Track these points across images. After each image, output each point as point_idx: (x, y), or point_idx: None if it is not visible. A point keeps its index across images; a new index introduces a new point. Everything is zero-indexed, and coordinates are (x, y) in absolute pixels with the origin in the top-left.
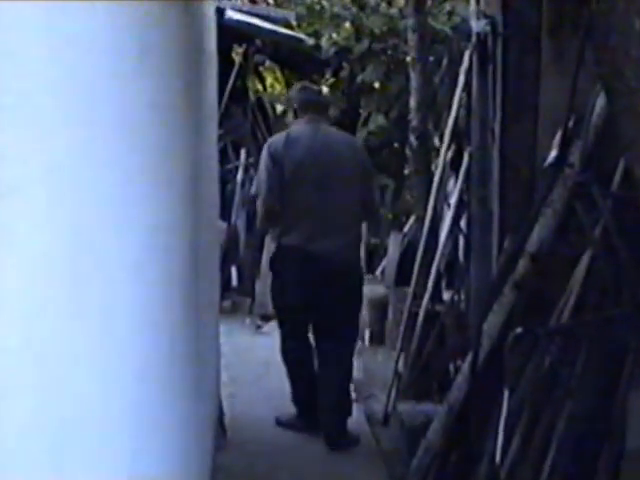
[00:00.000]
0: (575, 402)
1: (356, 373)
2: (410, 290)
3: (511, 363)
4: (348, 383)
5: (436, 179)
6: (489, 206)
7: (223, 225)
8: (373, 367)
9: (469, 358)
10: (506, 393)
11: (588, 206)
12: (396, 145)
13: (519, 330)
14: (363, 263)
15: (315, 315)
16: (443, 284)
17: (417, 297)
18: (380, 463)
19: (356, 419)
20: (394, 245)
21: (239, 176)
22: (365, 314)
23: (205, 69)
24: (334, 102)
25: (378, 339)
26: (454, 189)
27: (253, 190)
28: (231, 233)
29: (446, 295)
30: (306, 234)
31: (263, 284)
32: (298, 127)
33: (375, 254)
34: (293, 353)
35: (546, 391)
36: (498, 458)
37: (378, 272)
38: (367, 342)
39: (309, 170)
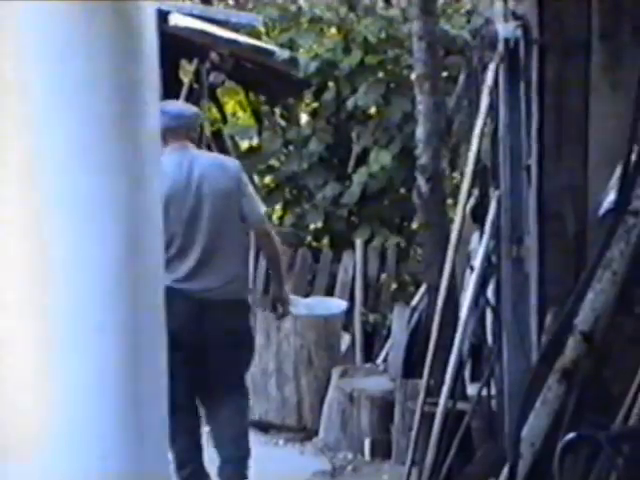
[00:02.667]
0: None
1: None
2: (423, 384)
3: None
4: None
5: (454, 235)
6: (525, 269)
7: None
8: None
9: (505, 475)
10: None
11: None
12: (401, 190)
13: (572, 435)
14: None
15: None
16: (466, 375)
17: (432, 393)
18: None
19: None
20: (400, 323)
21: None
22: (364, 417)
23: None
24: (199, 117)
25: (382, 451)
26: (478, 247)
27: None
28: None
29: (471, 390)
30: (183, 272)
31: None
32: (164, 159)
33: (375, 335)
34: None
35: None
36: None
37: (380, 360)
38: (367, 455)
39: (180, 206)
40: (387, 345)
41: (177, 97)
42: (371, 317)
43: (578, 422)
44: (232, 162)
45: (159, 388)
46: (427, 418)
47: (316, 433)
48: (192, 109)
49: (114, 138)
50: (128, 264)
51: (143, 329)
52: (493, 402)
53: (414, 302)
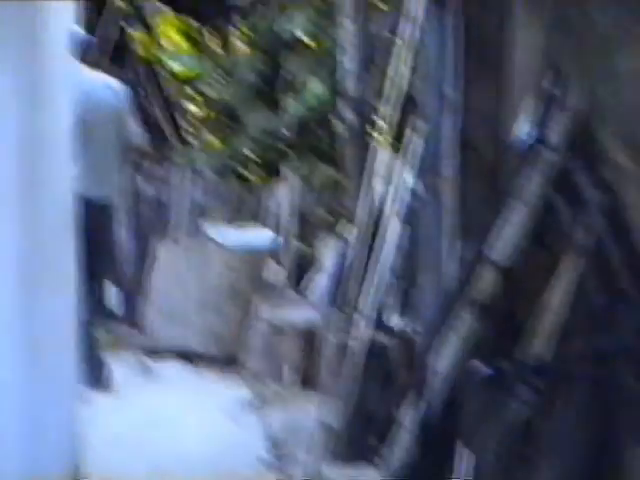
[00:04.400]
0: (556, 466)
1: (272, 428)
2: (346, 315)
3: (471, 413)
4: None
5: (377, 165)
6: (443, 200)
7: None
8: (296, 419)
9: (415, 405)
10: (464, 454)
11: (572, 200)
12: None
13: (481, 366)
14: None
15: None
16: (392, 308)
17: (355, 325)
18: None
19: None
20: (330, 254)
21: None
22: (288, 347)
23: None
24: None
25: (306, 381)
26: (401, 177)
27: None
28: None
29: (396, 321)
30: None
31: (153, 307)
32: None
33: (305, 266)
34: None
35: (517, 451)
36: None
37: (308, 291)
38: (291, 385)
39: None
40: (316, 277)
41: (108, 21)
42: (301, 248)
43: (490, 355)
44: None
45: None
46: (349, 350)
47: (240, 363)
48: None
49: None
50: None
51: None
52: (415, 334)
53: (345, 234)
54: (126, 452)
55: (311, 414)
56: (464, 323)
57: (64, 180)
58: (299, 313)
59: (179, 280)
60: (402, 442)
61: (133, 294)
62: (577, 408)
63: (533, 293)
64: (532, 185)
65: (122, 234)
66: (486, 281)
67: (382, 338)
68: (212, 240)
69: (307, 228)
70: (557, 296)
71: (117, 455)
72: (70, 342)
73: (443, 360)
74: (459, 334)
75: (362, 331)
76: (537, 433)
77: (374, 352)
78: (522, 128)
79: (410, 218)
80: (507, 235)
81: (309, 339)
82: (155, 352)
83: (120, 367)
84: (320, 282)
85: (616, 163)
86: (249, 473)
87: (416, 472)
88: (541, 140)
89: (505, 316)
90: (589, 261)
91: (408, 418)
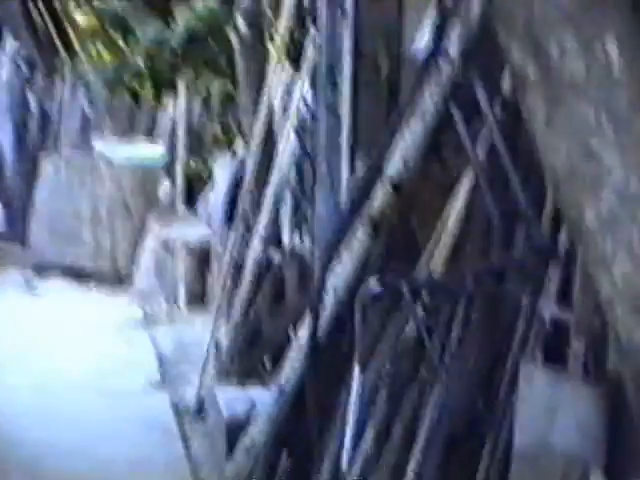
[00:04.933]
0: (448, 384)
1: (163, 347)
2: (237, 232)
3: (364, 330)
4: None
5: (273, 79)
6: (338, 114)
7: None
8: (188, 338)
9: (308, 324)
10: (356, 372)
11: (469, 114)
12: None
13: (375, 284)
14: None
15: None
16: (285, 224)
17: (247, 242)
18: (187, 469)
19: (159, 408)
20: (222, 170)
21: (3, 73)
22: (179, 265)
23: None
24: None
25: (197, 300)
26: (296, 91)
27: None
28: None
29: (287, 239)
30: None
31: (39, 223)
32: None
33: (197, 182)
34: None
35: (409, 369)
36: (345, 461)
37: (200, 208)
38: (182, 304)
39: None
40: (210, 194)
41: None
42: (193, 164)
43: (383, 271)
44: None
45: None
46: (239, 268)
47: (131, 281)
48: None
49: None
50: None
51: None
52: (307, 252)
53: (240, 150)
54: (9, 371)
55: (203, 333)
56: (359, 241)
57: None
58: (192, 231)
59: (66, 196)
60: (294, 362)
61: (18, 210)
62: (471, 327)
63: (429, 210)
64: (429, 99)
65: (6, 148)
66: (381, 198)
67: (276, 256)
68: (102, 156)
69: (201, 144)
70: (453, 213)
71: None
72: None
73: (337, 279)
74: (353, 252)
75: (255, 249)
76: (430, 353)
77: (267, 271)
78: (420, 41)
79: (305, 133)
80: (403, 150)
81: (202, 257)
82: (41, 269)
83: (4, 285)
84: (214, 200)
85: (519, 73)
86: (138, 393)
87: (308, 392)
88: (439, 52)
89: (400, 234)
90: (486, 177)
91: (301, 337)
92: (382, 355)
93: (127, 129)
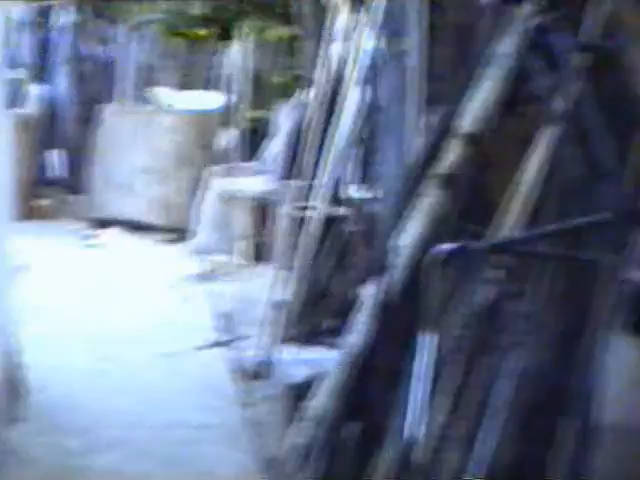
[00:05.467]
0: (523, 352)
1: (222, 304)
2: (300, 185)
3: (435, 293)
4: None
5: (337, 25)
6: (407, 63)
7: (40, 90)
8: (248, 295)
9: (375, 286)
10: (427, 336)
11: (549, 63)
12: None
13: (447, 245)
14: None
15: None
16: (351, 177)
17: (310, 196)
18: (245, 438)
19: (217, 371)
20: (285, 121)
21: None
22: (239, 218)
23: None
24: None
25: (258, 255)
26: (362, 38)
27: None
28: (52, 102)
29: (355, 192)
30: None
31: (98, 175)
32: None
33: (258, 132)
34: None
35: (483, 335)
36: (414, 431)
37: (261, 159)
38: (241, 258)
39: None
40: (271, 144)
41: None
42: (254, 113)
43: (455, 231)
44: None
45: None
46: (306, 222)
47: (190, 234)
48: None
49: None
50: None
51: None
52: (375, 207)
53: (302, 98)
54: (62, 327)
55: (264, 290)
56: (429, 199)
57: None
58: (253, 183)
59: (125, 147)
60: (360, 325)
61: (78, 160)
62: (550, 292)
63: (505, 166)
64: (506, 46)
65: (66, 97)
66: (454, 152)
67: (341, 211)
68: (161, 105)
69: (263, 92)
70: (531, 170)
71: (53, 328)
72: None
73: (406, 238)
74: (423, 211)
75: (319, 203)
76: (505, 317)
77: (332, 225)
78: None
79: (372, 82)
80: (478, 102)
81: (263, 210)
82: (100, 221)
83: (62, 235)
84: (276, 150)
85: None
86: (194, 353)
87: (374, 356)
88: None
89: (473, 191)
90: (566, 132)
91: (367, 299)
92: (454, 320)
93: (187, 77)
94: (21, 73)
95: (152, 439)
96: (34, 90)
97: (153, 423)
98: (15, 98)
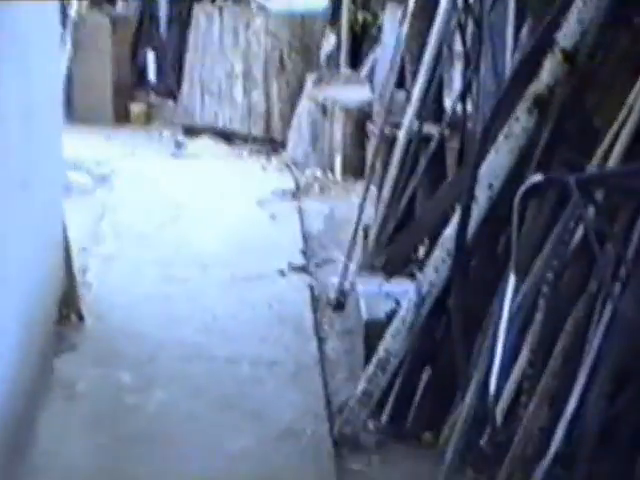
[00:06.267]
0: (622, 301)
1: (313, 223)
2: (392, 99)
3: (523, 231)
4: None
5: None
6: None
7: None
8: (341, 213)
9: (457, 219)
10: (512, 279)
11: None
12: None
13: (538, 177)
14: None
15: None
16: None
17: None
18: (316, 378)
19: (296, 299)
20: (391, 24)
21: None
22: (337, 131)
23: None
24: None
25: (354, 169)
26: None
27: None
28: (145, 1)
29: (448, 109)
30: None
31: (191, 80)
32: None
33: (364, 38)
34: None
35: (576, 280)
36: (494, 384)
37: (365, 68)
38: (337, 173)
39: None
40: (376, 50)
41: None
42: (360, 17)
43: (548, 161)
44: None
45: None
46: (394, 139)
47: (284, 146)
48: None
49: None
50: None
51: None
52: (472, 124)
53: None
54: (138, 244)
55: (354, 209)
56: (521, 123)
57: None
58: (354, 93)
59: (219, 51)
60: (438, 262)
61: (170, 63)
62: None
63: (610, 89)
64: None
65: None
66: (551, 71)
67: (434, 130)
68: (258, 5)
69: None
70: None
71: (127, 245)
72: None
73: (493, 168)
74: (513, 137)
75: (410, 119)
76: (603, 263)
77: (425, 145)
78: None
79: None
80: (581, 13)
81: (363, 123)
82: (191, 129)
83: (152, 143)
84: (381, 58)
85: None
86: (275, 277)
87: (454, 300)
88: None
89: (572, 117)
90: None
91: (451, 230)
92: (544, 262)
93: None
94: None
95: (212, 375)
96: None
97: (215, 356)
98: None
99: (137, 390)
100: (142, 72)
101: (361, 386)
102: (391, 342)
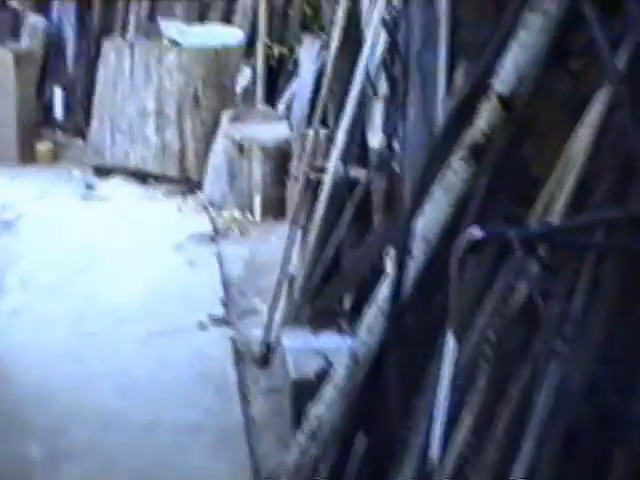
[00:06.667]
0: (568, 361)
1: (232, 268)
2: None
3: (461, 289)
4: None
5: None
6: (435, 12)
7: (39, 23)
8: (261, 257)
9: (391, 275)
10: (450, 341)
11: (606, 13)
12: None
13: (477, 232)
14: None
15: None
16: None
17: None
18: (242, 446)
19: (218, 354)
20: (308, 57)
21: None
22: (255, 170)
23: None
24: None
25: (275, 211)
26: None
27: None
28: (52, 36)
29: (376, 150)
30: None
31: (100, 118)
32: None
33: (280, 71)
34: None
35: (519, 340)
36: (434, 452)
37: (282, 103)
38: (257, 214)
39: None
40: (292, 86)
41: None
42: (276, 51)
43: (486, 214)
44: None
45: None
46: (318, 183)
47: (200, 186)
48: None
49: None
50: None
51: None
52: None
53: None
54: (47, 295)
55: (279, 252)
56: (455, 173)
57: None
58: (271, 130)
59: (130, 88)
60: (373, 322)
61: (79, 100)
62: (601, 290)
63: (549, 136)
64: None
65: (69, 30)
66: (487, 117)
67: (361, 173)
68: (171, 41)
69: (285, 28)
70: (581, 141)
71: (34, 298)
72: None
73: (428, 221)
74: (449, 188)
75: (335, 163)
76: (547, 321)
77: (351, 190)
78: None
79: (396, 27)
80: (517, 56)
81: (281, 161)
82: (102, 169)
83: (60, 184)
84: (298, 94)
85: None
86: (194, 331)
87: (390, 363)
88: None
89: (510, 166)
90: (626, 95)
91: (384, 288)
92: (484, 321)
93: (201, 11)
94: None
95: (130, 445)
96: (34, 21)
97: (133, 424)
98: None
99: (46, 466)
100: (49, 109)
101: (292, 457)
102: (323, 409)
